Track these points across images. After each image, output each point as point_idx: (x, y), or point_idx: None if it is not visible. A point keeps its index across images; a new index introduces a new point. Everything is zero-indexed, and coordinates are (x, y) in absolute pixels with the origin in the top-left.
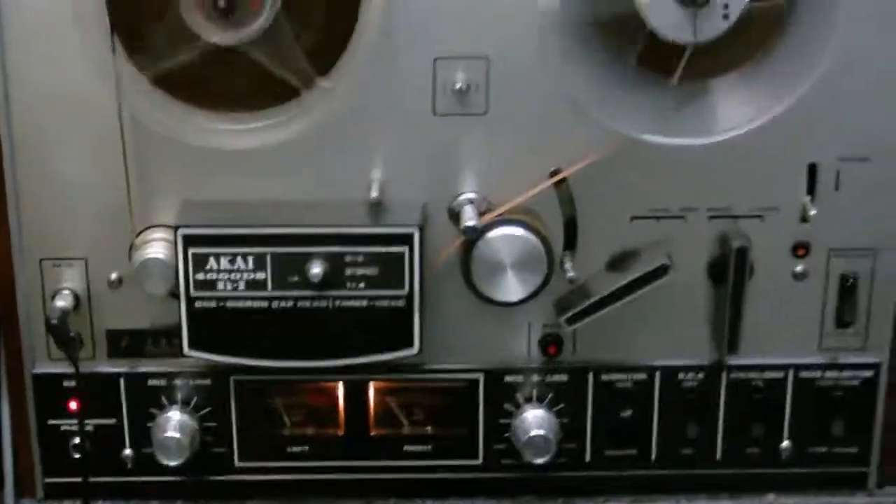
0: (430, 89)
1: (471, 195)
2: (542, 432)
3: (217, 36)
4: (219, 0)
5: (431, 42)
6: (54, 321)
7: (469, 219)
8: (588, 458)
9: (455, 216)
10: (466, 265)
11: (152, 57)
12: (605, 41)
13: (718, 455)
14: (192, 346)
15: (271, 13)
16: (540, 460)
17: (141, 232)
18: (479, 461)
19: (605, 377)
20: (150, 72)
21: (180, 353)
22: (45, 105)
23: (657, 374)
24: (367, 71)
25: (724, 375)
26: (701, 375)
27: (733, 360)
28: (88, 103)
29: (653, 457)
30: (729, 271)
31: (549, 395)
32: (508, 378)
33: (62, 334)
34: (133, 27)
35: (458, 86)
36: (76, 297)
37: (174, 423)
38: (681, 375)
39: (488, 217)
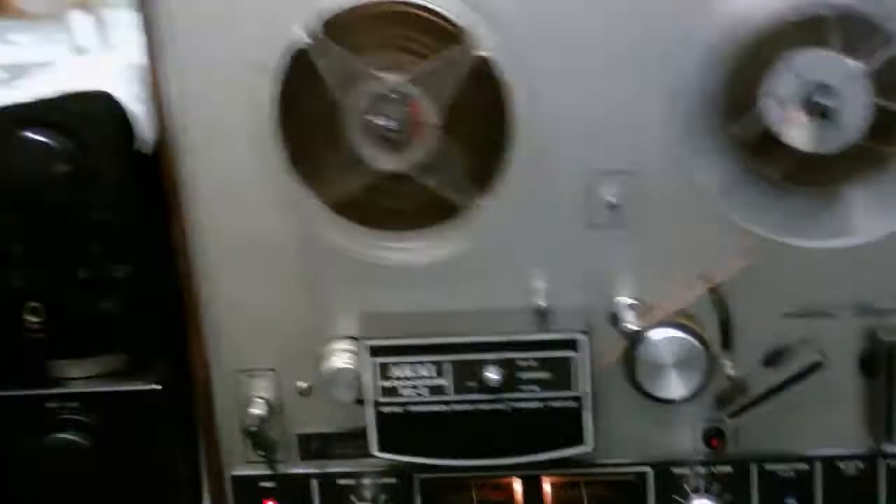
0: (583, 204)
1: (629, 300)
2: None
3: (385, 163)
4: (386, 132)
5: (582, 160)
6: (253, 428)
7: (630, 323)
8: None
9: (615, 320)
10: (630, 366)
11: (327, 184)
12: (744, 153)
13: None
14: (380, 448)
15: (433, 140)
16: None
17: (325, 343)
18: None
19: (767, 467)
20: (325, 197)
21: (366, 454)
22: (229, 234)
23: (817, 464)
24: (524, 189)
25: (882, 463)
26: (860, 464)
27: (892, 448)
28: (269, 230)
29: None
30: (881, 366)
31: (715, 486)
32: (675, 470)
33: (260, 439)
34: (308, 157)
35: (609, 200)
36: (269, 405)
37: None
38: (840, 465)
39: (648, 321)
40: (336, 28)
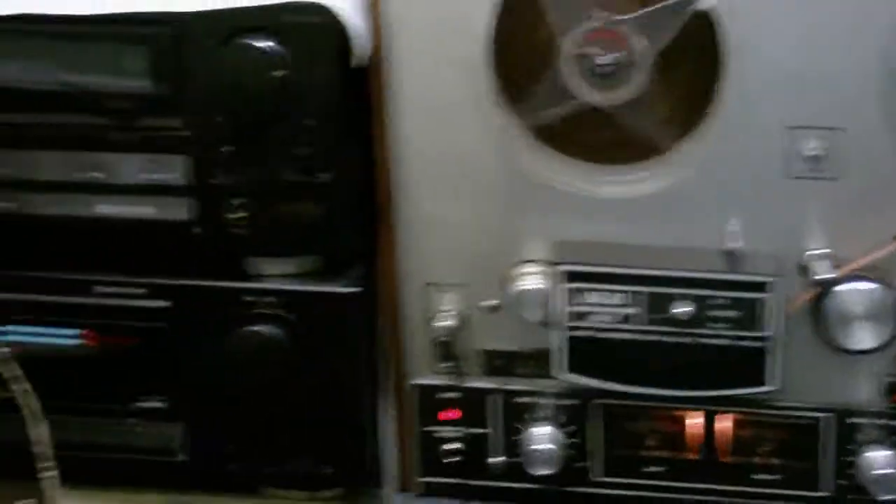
0: (784, 154)
1: (821, 251)
2: (892, 471)
3: (594, 97)
4: (597, 67)
5: (785, 110)
6: (441, 339)
7: (822, 272)
8: None
9: (804, 269)
10: (817, 315)
11: (533, 112)
12: None
13: None
14: (566, 370)
15: (644, 81)
16: (889, 496)
17: (516, 265)
18: (824, 494)
19: None
20: (529, 125)
21: (547, 375)
22: (432, 152)
23: None
24: (727, 134)
25: None
26: None
27: None
28: (470, 152)
29: None
30: None
31: (892, 439)
32: (853, 419)
33: (447, 351)
34: (516, 85)
35: (810, 153)
36: (457, 318)
37: (543, 436)
38: None
39: (841, 271)
40: None
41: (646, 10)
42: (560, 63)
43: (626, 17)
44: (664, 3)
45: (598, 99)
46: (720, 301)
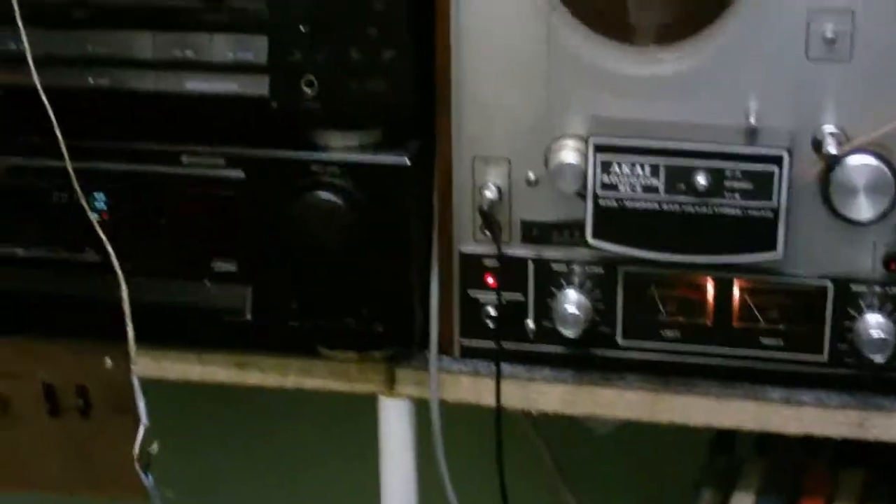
0: (804, 37)
1: (832, 128)
2: (882, 334)
3: None
4: None
5: None
6: (484, 208)
7: (830, 147)
8: None
9: (817, 145)
10: (825, 187)
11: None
12: None
13: None
14: (594, 236)
15: None
16: (879, 358)
17: (556, 140)
18: (825, 357)
19: None
20: (574, 9)
21: (581, 244)
22: (487, 37)
23: None
24: (751, 17)
25: None
26: None
27: None
28: (520, 37)
29: None
30: None
31: (888, 305)
32: (853, 287)
33: (489, 219)
34: None
35: (827, 35)
36: (500, 191)
37: (572, 300)
38: None
39: (847, 147)
40: None
41: None
42: None
43: None
44: None
45: None
46: (736, 173)
